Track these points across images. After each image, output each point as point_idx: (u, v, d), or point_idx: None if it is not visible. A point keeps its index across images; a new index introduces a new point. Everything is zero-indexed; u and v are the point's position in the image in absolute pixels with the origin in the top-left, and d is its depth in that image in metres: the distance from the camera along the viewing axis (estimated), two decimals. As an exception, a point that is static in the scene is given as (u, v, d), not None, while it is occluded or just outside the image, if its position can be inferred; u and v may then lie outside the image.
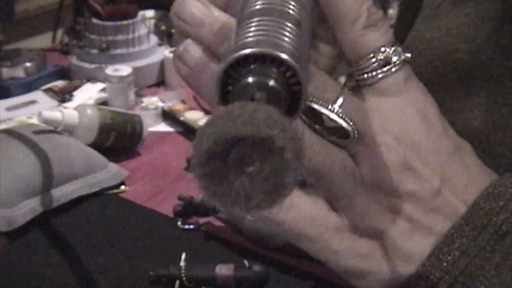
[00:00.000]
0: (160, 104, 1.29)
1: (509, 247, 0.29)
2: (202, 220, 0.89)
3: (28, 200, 0.91)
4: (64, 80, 1.40)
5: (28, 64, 1.38)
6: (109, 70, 1.26)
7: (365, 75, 0.30)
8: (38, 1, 1.82)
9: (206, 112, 1.25)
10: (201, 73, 0.30)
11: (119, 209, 0.96)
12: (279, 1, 0.27)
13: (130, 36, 1.39)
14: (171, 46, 1.48)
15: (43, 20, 1.84)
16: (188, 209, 0.89)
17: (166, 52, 1.42)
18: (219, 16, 0.30)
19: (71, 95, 1.33)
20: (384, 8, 1.76)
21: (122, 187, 1.02)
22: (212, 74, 0.29)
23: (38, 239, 0.87)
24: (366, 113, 0.30)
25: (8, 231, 0.88)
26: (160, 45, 1.48)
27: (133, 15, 1.40)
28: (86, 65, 1.40)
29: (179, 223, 0.90)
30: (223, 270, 0.77)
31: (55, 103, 1.30)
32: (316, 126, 0.30)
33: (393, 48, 0.30)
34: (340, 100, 0.29)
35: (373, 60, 0.30)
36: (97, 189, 0.99)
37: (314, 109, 0.29)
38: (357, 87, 0.31)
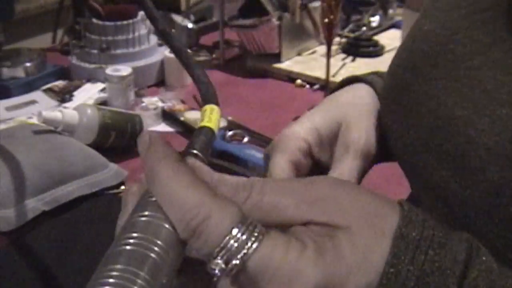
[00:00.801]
0: (160, 104, 1.29)
1: None
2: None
3: (28, 200, 0.91)
4: (64, 80, 1.40)
5: (28, 64, 1.38)
6: (109, 70, 1.26)
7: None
8: (38, 1, 1.82)
9: (206, 112, 1.25)
10: None
11: (119, 209, 0.96)
12: (145, 244, 0.30)
13: (130, 36, 1.39)
14: (171, 46, 1.48)
15: (43, 20, 1.84)
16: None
17: (166, 52, 1.42)
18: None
19: (71, 95, 1.33)
20: (384, 8, 1.77)
21: (122, 187, 1.02)
22: None
23: (38, 239, 0.87)
24: None
25: (8, 231, 0.88)
26: (160, 45, 1.48)
27: (133, 15, 1.40)
28: (86, 65, 1.40)
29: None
30: None
31: (55, 103, 1.30)
32: None
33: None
34: None
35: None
36: (97, 189, 0.99)
37: None
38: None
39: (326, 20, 1.22)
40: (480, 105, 0.36)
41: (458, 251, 0.30)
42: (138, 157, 1.23)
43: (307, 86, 1.43)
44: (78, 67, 1.41)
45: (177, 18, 1.59)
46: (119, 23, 1.38)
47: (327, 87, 1.30)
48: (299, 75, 1.45)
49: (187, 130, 1.20)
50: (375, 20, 1.73)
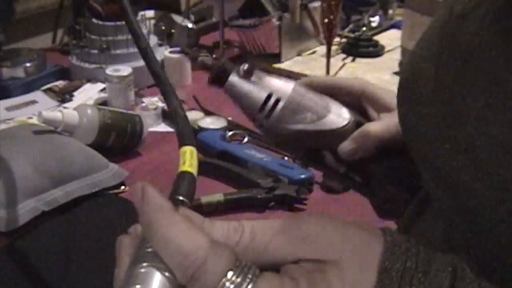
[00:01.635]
0: (160, 104, 1.30)
1: None
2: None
3: (28, 200, 0.91)
4: (64, 80, 1.41)
5: (28, 64, 1.38)
6: (109, 70, 1.26)
7: None
8: (38, 1, 1.82)
9: (206, 112, 1.25)
10: None
11: (119, 209, 0.96)
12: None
13: (130, 36, 1.39)
14: (171, 46, 1.49)
15: (43, 20, 1.84)
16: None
17: (166, 52, 1.42)
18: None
19: (71, 95, 1.33)
20: (384, 8, 1.77)
21: (122, 187, 1.02)
22: None
23: (38, 239, 0.87)
24: None
25: (8, 231, 0.88)
26: (160, 45, 1.48)
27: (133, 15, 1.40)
28: (86, 65, 1.40)
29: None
30: None
31: (55, 103, 1.30)
32: None
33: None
34: None
35: None
36: (97, 189, 0.99)
37: None
38: None
39: (326, 20, 1.23)
40: (493, 97, 0.36)
41: (442, 277, 0.31)
42: (138, 157, 1.22)
43: (307, 86, 1.43)
44: (78, 67, 1.41)
45: (177, 18, 1.59)
46: (119, 23, 1.38)
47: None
48: (299, 75, 1.45)
49: (187, 130, 1.20)
50: (375, 20, 1.73)
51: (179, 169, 0.39)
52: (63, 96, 1.32)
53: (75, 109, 1.10)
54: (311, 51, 1.58)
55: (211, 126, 1.17)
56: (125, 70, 1.26)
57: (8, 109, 1.26)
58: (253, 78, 0.58)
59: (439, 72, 0.42)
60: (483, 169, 0.36)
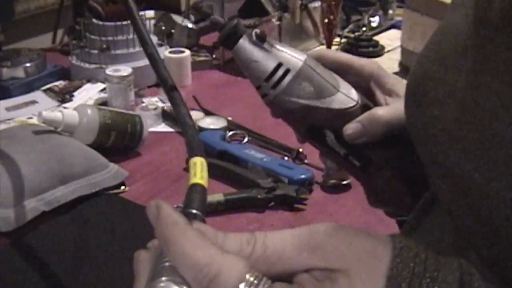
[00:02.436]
0: (160, 104, 1.30)
1: None
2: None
3: (28, 200, 0.91)
4: (64, 80, 1.41)
5: (28, 64, 1.38)
6: (109, 70, 1.26)
7: None
8: (38, 1, 1.82)
9: (206, 112, 1.25)
10: None
11: (119, 209, 0.96)
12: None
13: (130, 36, 1.39)
14: (171, 46, 1.49)
15: (43, 20, 1.84)
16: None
17: (166, 52, 1.42)
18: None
19: (71, 95, 1.33)
20: (384, 9, 1.77)
21: (122, 187, 1.02)
22: None
23: (38, 239, 0.87)
24: None
25: (8, 231, 0.88)
26: (160, 45, 1.48)
27: (133, 15, 1.40)
28: (86, 65, 1.40)
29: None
30: None
31: (55, 103, 1.30)
32: None
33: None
34: None
35: None
36: (97, 189, 0.99)
37: None
38: None
39: (326, 20, 1.23)
40: (508, 99, 0.36)
41: (450, 283, 0.32)
42: (138, 157, 1.22)
43: (307, 86, 1.43)
44: (78, 67, 1.41)
45: (177, 18, 1.59)
46: (119, 23, 1.38)
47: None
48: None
49: (187, 130, 1.20)
50: (375, 20, 1.73)
51: (190, 181, 0.40)
52: (63, 96, 1.32)
53: (75, 109, 1.10)
54: (311, 51, 1.58)
55: (211, 126, 1.17)
56: (125, 70, 1.26)
57: (8, 109, 1.26)
58: (264, 45, 0.57)
59: (450, 75, 0.42)
60: (497, 170, 0.36)
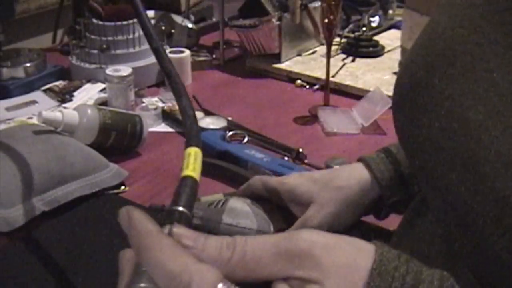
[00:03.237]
0: (160, 104, 1.30)
1: None
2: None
3: (28, 200, 0.91)
4: (64, 80, 1.41)
5: (28, 64, 1.38)
6: (109, 70, 1.26)
7: None
8: (38, 1, 1.82)
9: (206, 112, 1.25)
10: None
11: (119, 209, 0.96)
12: None
13: (130, 36, 1.39)
14: (171, 46, 1.49)
15: (43, 20, 1.84)
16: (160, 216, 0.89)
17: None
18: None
19: (71, 95, 1.33)
20: (384, 9, 1.77)
21: (122, 187, 1.02)
22: None
23: (38, 239, 0.87)
24: None
25: (8, 231, 0.88)
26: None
27: (133, 15, 1.40)
28: (86, 65, 1.40)
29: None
30: None
31: (55, 103, 1.30)
32: None
33: None
34: None
35: None
36: (97, 189, 0.99)
37: None
38: None
39: (326, 20, 1.22)
40: (495, 110, 0.35)
41: None
42: (138, 157, 1.21)
43: (307, 86, 1.43)
44: (78, 67, 1.41)
45: (177, 18, 1.59)
46: (119, 23, 1.38)
47: (327, 87, 1.30)
48: (299, 75, 1.45)
49: (187, 130, 1.20)
50: (375, 20, 1.73)
51: (182, 172, 0.39)
52: (63, 96, 1.32)
53: (75, 109, 1.10)
54: (311, 51, 1.58)
55: (211, 126, 1.17)
56: (125, 70, 1.26)
57: (8, 109, 1.26)
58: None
59: (437, 82, 0.41)
60: (482, 184, 0.35)
